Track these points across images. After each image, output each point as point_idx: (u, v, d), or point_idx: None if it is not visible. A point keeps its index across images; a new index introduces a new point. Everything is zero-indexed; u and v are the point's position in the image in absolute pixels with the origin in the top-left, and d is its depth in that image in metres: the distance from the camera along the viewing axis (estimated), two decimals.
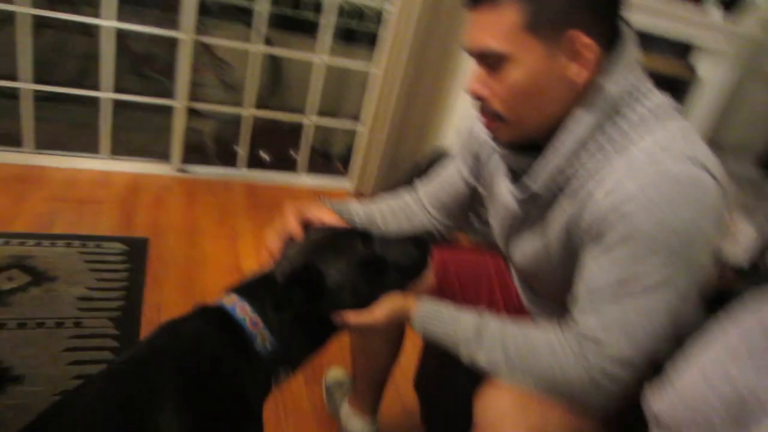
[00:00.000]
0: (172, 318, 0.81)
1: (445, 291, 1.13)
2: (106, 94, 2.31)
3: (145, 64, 3.07)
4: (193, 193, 2.41)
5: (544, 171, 0.82)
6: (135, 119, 2.72)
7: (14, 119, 2.26)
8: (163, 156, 2.52)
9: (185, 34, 2.26)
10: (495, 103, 0.81)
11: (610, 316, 0.75)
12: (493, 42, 0.76)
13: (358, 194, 2.68)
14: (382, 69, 2.42)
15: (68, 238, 1.86)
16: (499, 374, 0.82)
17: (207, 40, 2.54)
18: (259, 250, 0.99)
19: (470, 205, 1.12)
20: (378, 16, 2.51)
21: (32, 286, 1.61)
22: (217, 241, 2.09)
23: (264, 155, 2.85)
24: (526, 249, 0.95)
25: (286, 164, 2.81)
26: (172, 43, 2.33)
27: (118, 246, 1.88)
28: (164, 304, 1.66)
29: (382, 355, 1.25)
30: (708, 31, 2.60)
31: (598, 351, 0.75)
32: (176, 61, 2.33)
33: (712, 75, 2.71)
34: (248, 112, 2.58)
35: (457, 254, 1.20)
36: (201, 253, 1.99)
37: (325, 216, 0.98)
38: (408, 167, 2.64)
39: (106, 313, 1.57)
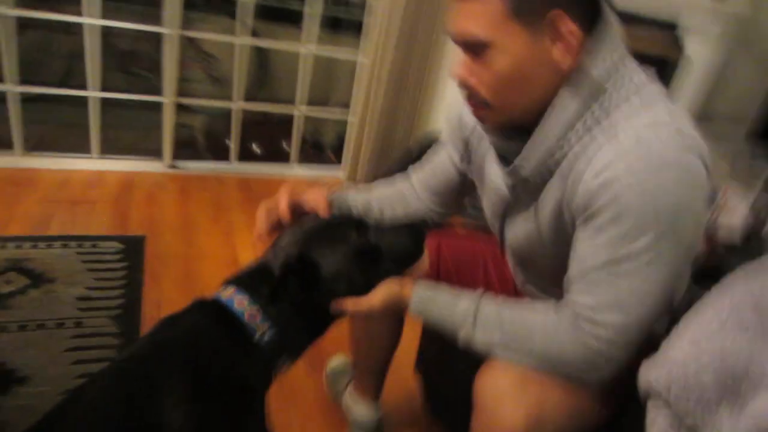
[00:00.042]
0: (172, 313, 0.82)
1: (440, 275, 1.14)
2: (93, 93, 2.30)
3: (132, 62, 3.04)
4: (187, 188, 2.41)
5: (533, 155, 0.83)
6: (124, 117, 2.70)
7: (2, 122, 2.24)
8: (154, 153, 2.51)
9: (170, 29, 2.24)
10: (481, 90, 0.81)
11: (603, 293, 0.76)
12: (477, 29, 0.77)
13: (351, 183, 2.69)
14: (370, 57, 2.41)
15: (64, 239, 1.86)
16: (496, 355, 0.83)
17: (192, 34, 2.52)
18: (255, 241, 1.00)
19: (462, 191, 1.13)
20: (363, 4, 2.49)
21: (31, 289, 1.61)
22: (213, 236, 2.10)
23: (255, 148, 2.84)
24: (518, 232, 0.96)
25: (278, 156, 2.81)
26: (158, 38, 2.31)
27: (115, 245, 1.88)
28: (164, 300, 1.67)
29: (382, 341, 1.26)
30: (695, 10, 2.60)
31: (591, 320, 0.77)
32: (162, 57, 2.32)
33: (700, 54, 2.71)
34: (237, 105, 2.57)
35: (452, 239, 1.21)
36: (198, 248, 1.99)
37: (318, 201, 0.99)
38: (399, 154, 2.64)
39: (106, 312, 1.58)
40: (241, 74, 2.51)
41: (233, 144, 2.63)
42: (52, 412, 0.71)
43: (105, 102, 2.34)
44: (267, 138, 2.88)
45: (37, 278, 1.65)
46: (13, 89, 2.17)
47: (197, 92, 2.90)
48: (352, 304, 0.85)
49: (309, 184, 1.03)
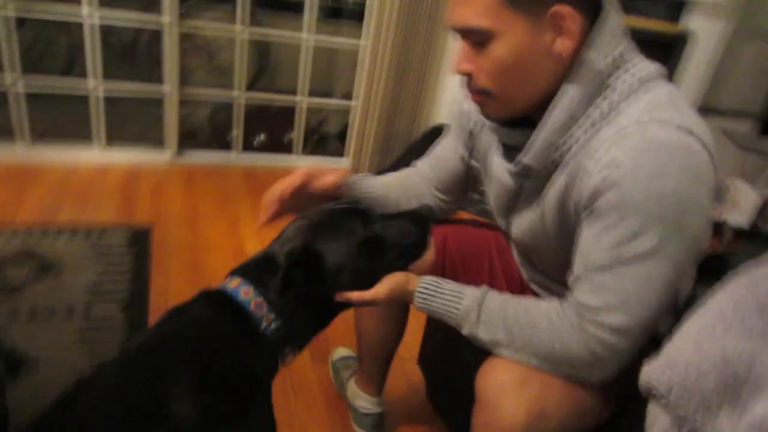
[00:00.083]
0: (179, 303, 0.83)
1: (446, 266, 1.14)
2: (96, 87, 2.30)
3: (132, 53, 3.03)
4: (192, 179, 2.42)
5: (536, 146, 0.83)
6: (127, 108, 2.70)
7: (7, 115, 2.25)
8: (159, 144, 2.51)
9: (169, 20, 2.23)
10: (482, 79, 0.81)
11: (605, 285, 0.76)
12: (475, 18, 0.76)
13: (356, 172, 2.68)
14: (370, 43, 2.40)
15: (73, 229, 1.88)
16: (500, 349, 0.84)
17: (192, 23, 2.51)
18: (259, 228, 1.01)
19: (467, 182, 1.13)
20: None
21: (41, 277, 1.63)
22: (218, 226, 2.11)
23: (259, 138, 2.84)
24: (523, 223, 0.96)
25: (283, 146, 2.81)
26: (158, 29, 2.30)
27: (122, 235, 1.90)
28: (171, 290, 1.69)
29: (386, 333, 1.27)
30: None
31: (596, 321, 0.77)
32: (163, 48, 2.31)
33: (705, 31, 2.68)
34: (239, 95, 2.56)
35: (458, 229, 1.21)
36: (204, 239, 2.00)
37: (328, 182, 1.02)
38: (404, 143, 2.63)
39: (114, 300, 1.60)
40: (242, 64, 2.50)
41: (237, 134, 2.63)
42: (61, 400, 0.72)
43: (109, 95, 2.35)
44: (271, 128, 2.87)
45: (47, 267, 1.67)
46: (18, 81, 2.18)
47: (199, 82, 2.88)
48: (356, 296, 0.86)
49: (325, 171, 1.05)
